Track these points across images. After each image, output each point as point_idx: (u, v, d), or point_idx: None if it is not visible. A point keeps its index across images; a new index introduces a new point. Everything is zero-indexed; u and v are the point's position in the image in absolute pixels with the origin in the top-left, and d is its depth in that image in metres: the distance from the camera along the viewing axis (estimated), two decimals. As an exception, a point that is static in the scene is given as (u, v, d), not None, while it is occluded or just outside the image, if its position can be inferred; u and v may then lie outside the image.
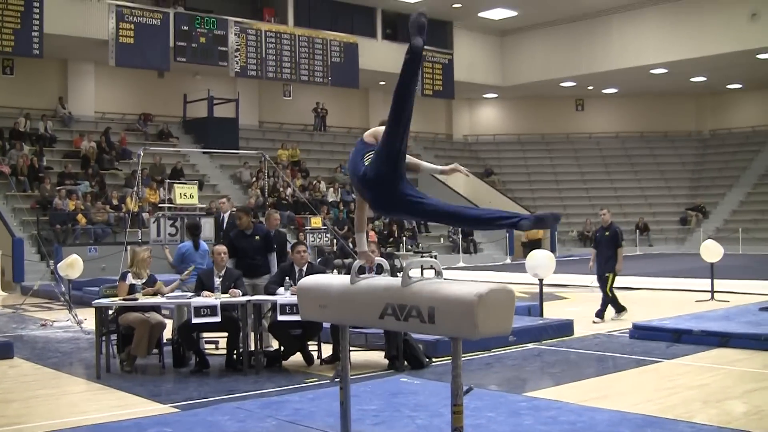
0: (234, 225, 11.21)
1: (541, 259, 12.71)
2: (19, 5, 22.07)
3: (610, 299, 13.13)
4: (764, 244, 30.01)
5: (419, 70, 4.99)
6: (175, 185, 16.68)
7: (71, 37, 23.83)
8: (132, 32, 23.91)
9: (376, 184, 5.01)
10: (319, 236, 19.52)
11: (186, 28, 25.05)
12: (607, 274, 12.98)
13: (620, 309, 13.19)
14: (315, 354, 9.57)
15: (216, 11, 26.59)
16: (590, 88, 35.52)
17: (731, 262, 20.36)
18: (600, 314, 13.05)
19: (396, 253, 23.66)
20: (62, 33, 23.29)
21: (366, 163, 5.05)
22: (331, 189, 28.42)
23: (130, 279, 9.58)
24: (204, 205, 19.12)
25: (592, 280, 19.45)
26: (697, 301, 15.11)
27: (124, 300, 9.27)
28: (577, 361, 9.81)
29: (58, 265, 14.93)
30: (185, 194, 15.62)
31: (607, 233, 13.23)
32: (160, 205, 20.72)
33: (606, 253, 13.13)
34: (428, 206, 5.05)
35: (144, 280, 9.59)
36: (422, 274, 5.88)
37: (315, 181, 28.46)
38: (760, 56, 29.07)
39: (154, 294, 9.43)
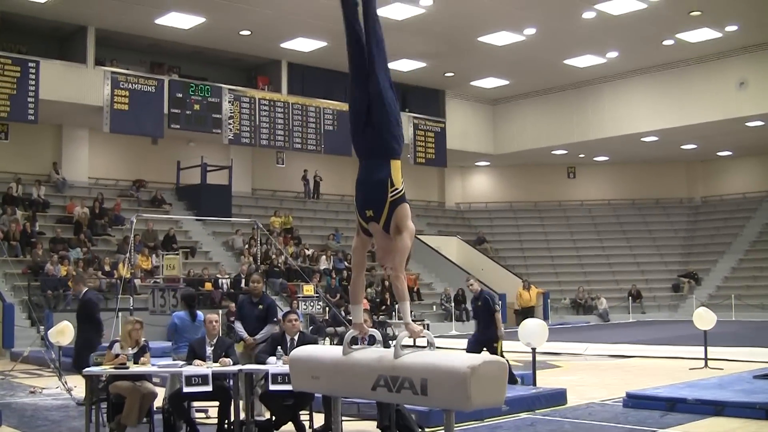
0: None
1: (533, 328, 12.64)
2: (16, 71, 22.36)
3: None
4: (757, 311, 29.93)
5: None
6: (165, 257, 16.69)
7: (66, 103, 23.99)
8: (126, 99, 24.13)
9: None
10: (312, 304, 19.50)
11: (180, 95, 25.28)
12: (495, 344, 12.72)
13: (512, 380, 12.43)
14: (307, 424, 9.46)
15: (210, 79, 26.91)
16: (581, 155, 35.73)
17: (724, 328, 20.32)
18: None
19: (388, 321, 23.58)
20: (57, 99, 23.49)
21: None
22: (324, 257, 28.38)
23: (117, 348, 9.49)
24: (187, 275, 18.85)
25: (586, 347, 19.51)
26: (690, 369, 15.04)
27: (116, 369, 9.19)
28: (570, 431, 9.73)
29: (49, 331, 14.85)
30: (169, 266, 15.65)
31: (479, 302, 13.23)
32: (156, 278, 20.63)
33: (484, 322, 13.07)
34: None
35: (134, 351, 9.48)
36: (414, 343, 5.84)
37: (306, 249, 28.42)
38: (749, 124, 29.36)
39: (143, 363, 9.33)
